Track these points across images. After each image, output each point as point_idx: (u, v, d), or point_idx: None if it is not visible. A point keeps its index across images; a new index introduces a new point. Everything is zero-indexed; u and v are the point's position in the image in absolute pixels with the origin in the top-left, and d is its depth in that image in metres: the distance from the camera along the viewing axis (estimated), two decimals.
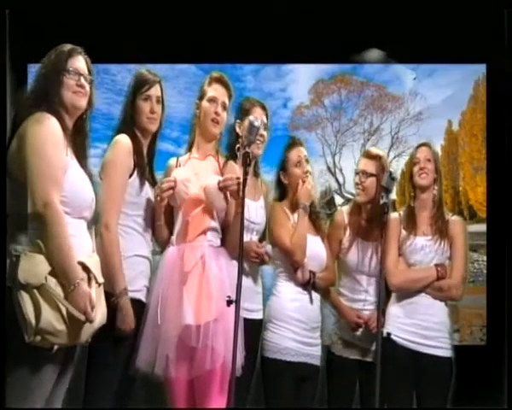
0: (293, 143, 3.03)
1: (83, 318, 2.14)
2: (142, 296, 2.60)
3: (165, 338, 2.50)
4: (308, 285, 2.88)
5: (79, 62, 2.34)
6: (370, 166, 3.04)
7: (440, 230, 3.00)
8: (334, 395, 3.04)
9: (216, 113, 2.74)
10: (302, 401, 2.87)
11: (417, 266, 2.99)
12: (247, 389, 2.78)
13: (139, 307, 2.57)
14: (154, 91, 2.68)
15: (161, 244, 2.73)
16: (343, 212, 3.14)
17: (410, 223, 3.03)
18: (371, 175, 3.03)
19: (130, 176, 2.58)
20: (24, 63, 3.64)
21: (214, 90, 2.77)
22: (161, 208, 2.62)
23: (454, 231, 3.01)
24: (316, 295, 2.93)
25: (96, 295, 2.22)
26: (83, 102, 2.32)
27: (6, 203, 2.24)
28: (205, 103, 2.76)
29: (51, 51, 2.35)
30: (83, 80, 2.31)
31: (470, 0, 3.64)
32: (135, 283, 2.56)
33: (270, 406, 2.83)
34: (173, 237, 2.66)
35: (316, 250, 2.95)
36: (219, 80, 2.79)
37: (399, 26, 3.73)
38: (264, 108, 2.96)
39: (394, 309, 2.98)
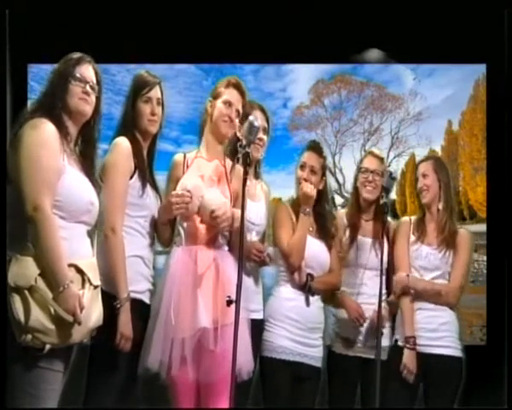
0: (309, 146, 3.02)
1: (71, 319, 2.15)
2: (144, 298, 2.60)
3: (179, 340, 2.49)
4: (304, 288, 2.89)
5: (87, 70, 2.36)
6: (379, 166, 3.10)
7: (447, 241, 3.04)
8: (335, 394, 3.04)
9: (230, 117, 2.73)
10: (302, 401, 2.87)
11: (421, 272, 3.02)
12: (248, 388, 2.78)
13: (142, 308, 2.57)
14: (155, 93, 2.67)
15: (164, 243, 2.73)
16: (342, 215, 3.15)
17: (420, 231, 3.09)
18: (380, 174, 3.07)
19: (131, 178, 2.58)
20: (24, 63, 3.64)
21: (230, 95, 2.75)
22: (171, 217, 2.62)
23: (459, 243, 3.05)
24: (315, 297, 2.93)
25: (92, 297, 2.24)
26: (87, 109, 2.34)
27: (6, 204, 2.26)
28: (219, 104, 2.75)
29: (62, 59, 2.37)
30: (89, 88, 2.33)
31: (470, 0, 3.64)
32: (137, 284, 2.56)
33: (267, 404, 2.84)
34: (181, 238, 2.65)
35: (317, 253, 2.95)
36: (237, 86, 2.77)
37: (399, 26, 3.73)
38: (264, 111, 2.96)
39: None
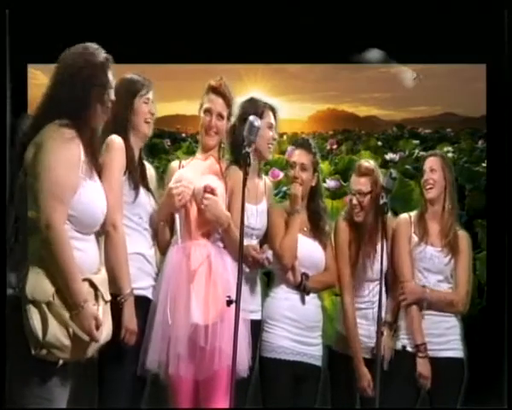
0: (297, 144, 3.01)
1: (87, 339, 2.15)
2: (149, 294, 2.62)
3: (175, 337, 2.52)
4: (299, 287, 2.88)
5: (111, 75, 2.30)
6: (365, 185, 2.98)
7: (451, 244, 3.00)
8: (336, 393, 3.04)
9: (209, 126, 2.74)
10: (302, 400, 2.87)
11: (425, 274, 2.99)
12: (246, 388, 2.79)
13: (147, 303, 2.60)
14: (152, 95, 2.70)
15: (163, 244, 2.73)
16: (344, 217, 3.08)
17: (422, 230, 3.02)
18: (368, 193, 2.98)
19: (123, 175, 2.59)
20: (24, 63, 3.64)
21: (209, 102, 2.77)
22: (174, 210, 2.62)
23: (461, 247, 3.02)
24: (313, 295, 2.92)
25: (103, 311, 2.23)
26: (106, 117, 2.32)
27: (6, 205, 2.25)
28: (201, 114, 2.78)
29: (74, 53, 2.26)
30: (112, 95, 2.30)
31: (470, 0, 3.64)
32: (140, 280, 2.59)
33: (267, 404, 2.83)
34: (177, 236, 2.67)
35: (311, 252, 2.94)
36: (214, 90, 2.77)
37: (399, 26, 3.73)
38: (273, 110, 2.95)
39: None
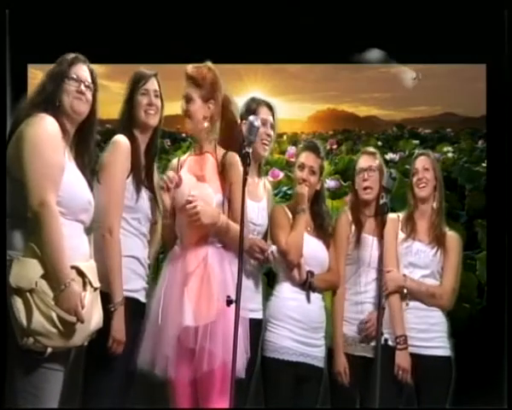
0: (306, 146, 3.03)
1: (73, 319, 2.15)
2: (139, 296, 2.60)
3: (165, 338, 2.52)
4: (305, 285, 2.89)
5: (82, 70, 2.36)
6: (373, 162, 3.07)
7: (438, 239, 3.05)
8: (336, 393, 3.02)
9: (187, 110, 2.69)
10: (304, 401, 2.87)
11: (410, 269, 3.01)
12: (247, 388, 2.78)
13: (137, 306, 2.58)
14: (151, 85, 2.66)
15: (168, 246, 2.74)
16: (346, 210, 3.12)
17: (409, 228, 3.09)
18: (375, 169, 3.05)
19: (127, 178, 2.56)
20: (24, 63, 3.65)
21: (185, 88, 2.72)
22: (165, 201, 2.63)
23: (449, 245, 3.07)
24: (317, 296, 2.93)
25: (92, 298, 2.24)
26: (83, 108, 2.34)
27: (6, 204, 2.25)
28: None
29: (57, 60, 2.38)
30: (83, 87, 2.33)
31: (470, 0, 3.64)
32: (131, 282, 2.56)
33: (269, 405, 2.83)
34: (178, 240, 2.68)
35: (316, 251, 2.95)
36: (187, 77, 2.72)
37: (399, 26, 3.74)
38: (270, 107, 2.95)
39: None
